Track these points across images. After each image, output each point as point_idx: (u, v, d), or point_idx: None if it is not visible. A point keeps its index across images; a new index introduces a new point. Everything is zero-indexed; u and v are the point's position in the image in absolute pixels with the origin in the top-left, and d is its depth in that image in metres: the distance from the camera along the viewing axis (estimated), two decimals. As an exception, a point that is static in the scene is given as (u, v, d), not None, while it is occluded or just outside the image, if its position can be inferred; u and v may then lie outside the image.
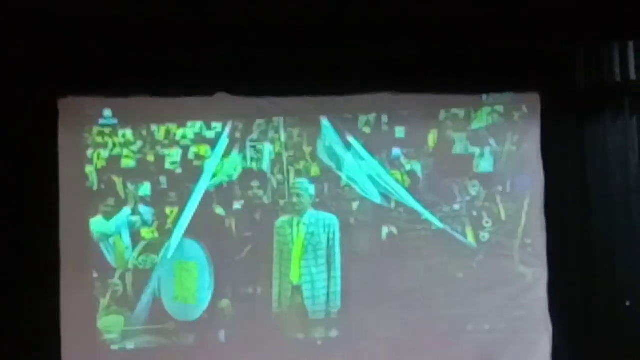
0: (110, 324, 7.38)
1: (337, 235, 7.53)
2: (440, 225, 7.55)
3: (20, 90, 6.94)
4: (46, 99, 7.08)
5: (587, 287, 7.42)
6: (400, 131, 7.60)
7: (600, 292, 7.39)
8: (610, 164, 7.49)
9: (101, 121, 7.37)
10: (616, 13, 6.99)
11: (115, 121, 7.37)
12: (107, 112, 7.37)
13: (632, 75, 7.39)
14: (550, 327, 7.39)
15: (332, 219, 7.55)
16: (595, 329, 7.37)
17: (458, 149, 7.62)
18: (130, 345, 7.34)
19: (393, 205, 7.56)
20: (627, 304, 7.30)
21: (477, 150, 7.61)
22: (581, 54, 7.47)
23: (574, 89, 7.50)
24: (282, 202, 7.54)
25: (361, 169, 7.56)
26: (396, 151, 7.59)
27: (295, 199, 7.54)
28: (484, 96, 7.63)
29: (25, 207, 7.05)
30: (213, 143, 7.49)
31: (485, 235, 7.56)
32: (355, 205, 7.57)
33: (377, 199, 7.55)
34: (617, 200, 7.45)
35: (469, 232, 7.55)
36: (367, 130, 7.59)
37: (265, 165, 7.52)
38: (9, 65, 6.82)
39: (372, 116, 7.58)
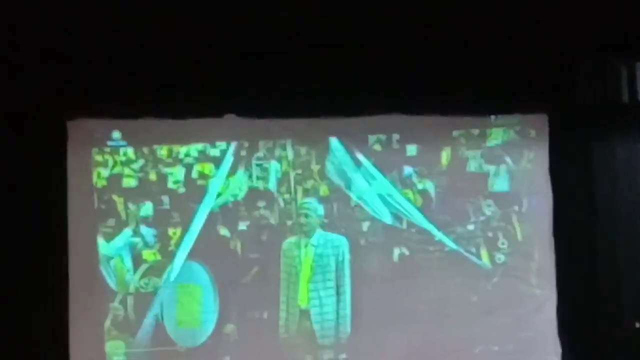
0: (112, 349, 7.17)
1: (347, 256, 7.38)
2: (453, 246, 7.42)
3: (29, 112, 6.78)
4: (55, 121, 6.91)
5: (595, 309, 7.37)
6: (412, 149, 7.45)
7: (609, 314, 7.36)
8: (618, 184, 7.46)
9: (110, 143, 7.17)
10: (624, 32, 7.03)
11: (124, 143, 7.18)
12: (116, 134, 7.16)
13: (640, 96, 7.41)
14: (559, 349, 7.34)
15: (341, 240, 7.39)
16: (604, 351, 7.34)
17: (472, 166, 7.49)
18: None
19: (405, 225, 7.42)
20: (637, 325, 7.30)
21: (492, 169, 7.49)
22: (588, 73, 7.38)
23: (582, 109, 7.41)
24: (289, 222, 7.36)
25: (372, 188, 7.41)
26: (408, 169, 7.45)
27: (303, 220, 7.37)
28: (493, 118, 7.52)
29: (35, 229, 6.90)
30: (217, 162, 7.31)
31: (500, 257, 7.44)
32: (365, 225, 7.40)
33: (388, 219, 7.40)
34: (625, 221, 7.42)
35: (484, 253, 7.43)
36: (377, 148, 7.44)
37: (272, 184, 7.34)
38: (18, 85, 6.69)
39: (382, 135, 7.44)
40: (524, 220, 7.51)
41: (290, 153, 7.38)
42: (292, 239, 7.36)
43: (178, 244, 7.25)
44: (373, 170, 7.41)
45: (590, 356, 7.37)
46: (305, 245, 7.36)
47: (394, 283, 7.40)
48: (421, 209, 7.44)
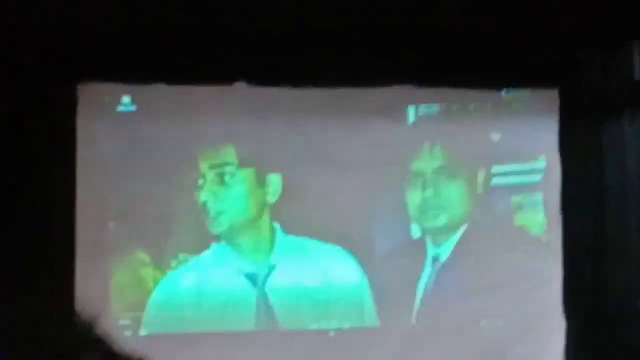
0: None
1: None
2: (459, 219, 7.59)
3: (38, 76, 6.86)
4: (65, 85, 7.00)
5: (601, 286, 7.40)
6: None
7: (614, 291, 7.39)
8: (628, 163, 7.47)
9: (119, 108, 7.28)
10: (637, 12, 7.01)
11: (133, 108, 7.28)
12: (126, 99, 7.28)
13: (654, 74, 7.37)
14: (564, 324, 7.36)
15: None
16: (608, 327, 7.35)
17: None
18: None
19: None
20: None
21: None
22: (600, 52, 7.41)
23: (593, 87, 7.46)
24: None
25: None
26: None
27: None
28: (503, 92, 7.58)
29: (42, 194, 6.96)
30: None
31: (507, 231, 7.53)
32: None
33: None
34: (632, 200, 7.44)
35: (490, 227, 7.55)
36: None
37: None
38: (27, 51, 6.79)
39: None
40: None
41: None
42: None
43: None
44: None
45: (595, 332, 7.38)
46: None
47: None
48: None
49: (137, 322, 7.29)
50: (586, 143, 7.53)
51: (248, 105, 7.39)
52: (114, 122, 7.29)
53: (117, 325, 7.16)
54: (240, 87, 7.26)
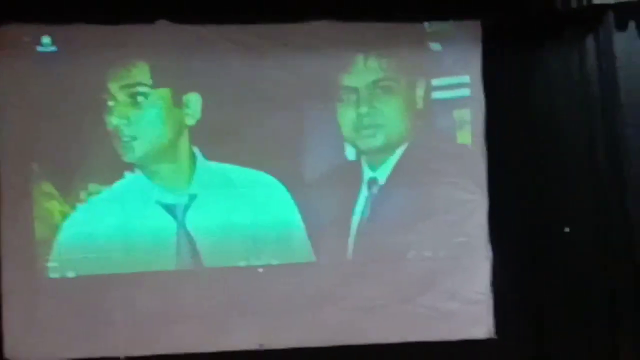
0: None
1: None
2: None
3: None
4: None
5: (526, 214, 7.49)
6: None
7: (540, 219, 7.48)
8: (552, 91, 7.55)
9: (39, 49, 7.20)
10: None
11: (54, 49, 7.21)
12: (46, 40, 7.20)
13: (574, 3, 7.35)
14: (490, 254, 7.44)
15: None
16: (534, 256, 7.47)
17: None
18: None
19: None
20: (566, 230, 7.41)
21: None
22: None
23: (516, 16, 7.47)
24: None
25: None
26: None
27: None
28: (426, 25, 7.56)
29: None
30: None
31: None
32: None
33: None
34: (558, 127, 7.51)
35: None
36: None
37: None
38: None
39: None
40: (457, 128, 7.59)
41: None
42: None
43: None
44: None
45: (521, 261, 7.48)
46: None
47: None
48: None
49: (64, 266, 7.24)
50: (511, 72, 7.61)
51: (171, 44, 7.32)
52: (34, 62, 7.21)
53: (45, 267, 7.23)
54: (163, 24, 7.23)
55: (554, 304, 7.42)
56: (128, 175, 7.25)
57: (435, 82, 7.54)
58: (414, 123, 7.54)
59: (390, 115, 7.52)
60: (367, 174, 7.51)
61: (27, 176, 7.20)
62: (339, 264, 7.43)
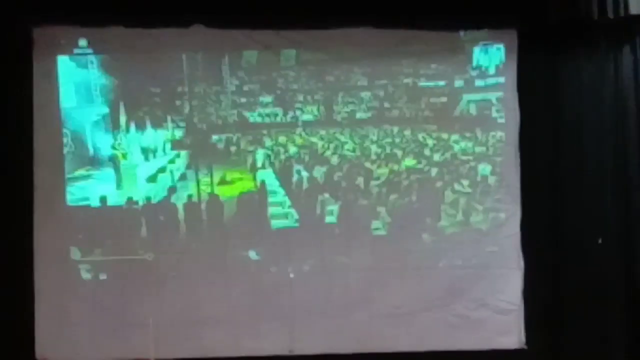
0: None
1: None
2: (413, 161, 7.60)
3: None
4: (20, 27, 7.04)
5: (559, 224, 7.46)
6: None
7: (572, 229, 7.44)
8: (585, 101, 7.49)
9: (76, 51, 7.30)
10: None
11: (90, 51, 7.30)
12: (82, 42, 7.29)
13: (610, 14, 7.28)
14: (522, 264, 7.43)
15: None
16: (566, 266, 7.42)
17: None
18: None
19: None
20: (599, 241, 7.36)
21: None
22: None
23: (551, 25, 7.42)
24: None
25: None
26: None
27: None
28: (462, 33, 7.57)
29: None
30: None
31: (466, 172, 7.63)
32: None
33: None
34: (589, 137, 7.46)
35: (450, 169, 7.66)
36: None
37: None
38: None
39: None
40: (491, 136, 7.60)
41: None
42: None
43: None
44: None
45: (553, 271, 7.46)
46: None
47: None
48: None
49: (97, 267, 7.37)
50: (544, 81, 7.56)
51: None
52: (71, 64, 7.32)
53: (76, 269, 7.33)
54: (198, 29, 7.27)
55: (580, 316, 7.39)
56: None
57: (469, 89, 7.58)
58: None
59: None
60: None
61: (62, 177, 7.32)
62: (370, 270, 7.46)
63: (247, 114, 7.52)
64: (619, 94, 7.45)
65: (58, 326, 7.23)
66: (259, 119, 7.53)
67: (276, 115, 7.53)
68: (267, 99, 7.53)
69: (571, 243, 7.44)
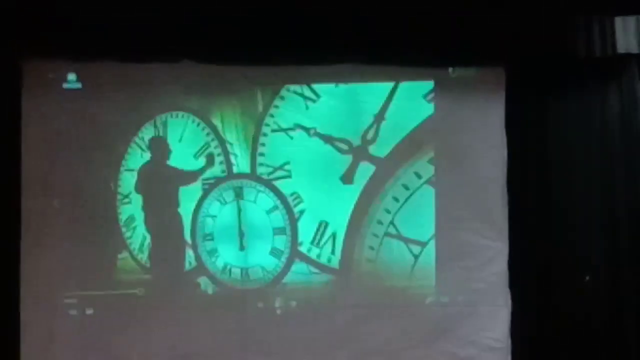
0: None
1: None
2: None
3: None
4: (9, 61, 7.07)
5: (546, 262, 7.43)
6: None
7: (560, 267, 7.41)
8: (572, 139, 7.50)
9: (65, 85, 7.33)
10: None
11: (79, 85, 7.34)
12: (72, 76, 7.33)
13: (597, 52, 7.34)
14: (509, 302, 7.39)
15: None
16: (554, 303, 7.39)
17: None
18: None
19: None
20: (587, 278, 7.35)
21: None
22: (546, 28, 7.38)
23: (538, 64, 7.43)
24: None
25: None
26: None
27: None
28: (450, 70, 7.59)
29: None
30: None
31: (453, 210, 7.60)
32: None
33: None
34: (577, 176, 7.47)
35: (432, 204, 7.61)
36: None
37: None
38: None
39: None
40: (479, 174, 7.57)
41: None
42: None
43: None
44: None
45: (541, 308, 7.41)
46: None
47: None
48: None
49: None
50: (531, 119, 7.57)
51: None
52: (60, 99, 7.34)
53: (62, 304, 7.31)
54: (188, 65, 7.28)
55: (567, 354, 7.37)
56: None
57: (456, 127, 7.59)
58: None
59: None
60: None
61: (48, 212, 7.31)
62: (355, 307, 7.45)
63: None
64: (605, 133, 7.45)
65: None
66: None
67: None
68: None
69: (558, 281, 7.40)
